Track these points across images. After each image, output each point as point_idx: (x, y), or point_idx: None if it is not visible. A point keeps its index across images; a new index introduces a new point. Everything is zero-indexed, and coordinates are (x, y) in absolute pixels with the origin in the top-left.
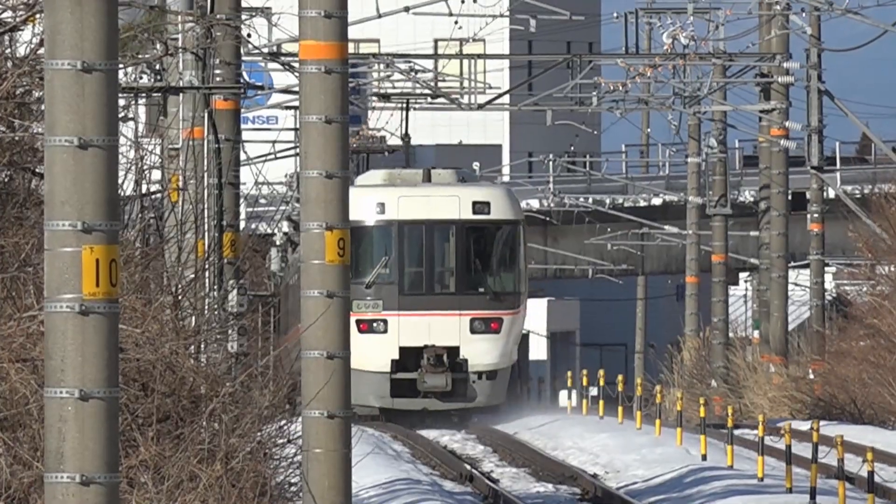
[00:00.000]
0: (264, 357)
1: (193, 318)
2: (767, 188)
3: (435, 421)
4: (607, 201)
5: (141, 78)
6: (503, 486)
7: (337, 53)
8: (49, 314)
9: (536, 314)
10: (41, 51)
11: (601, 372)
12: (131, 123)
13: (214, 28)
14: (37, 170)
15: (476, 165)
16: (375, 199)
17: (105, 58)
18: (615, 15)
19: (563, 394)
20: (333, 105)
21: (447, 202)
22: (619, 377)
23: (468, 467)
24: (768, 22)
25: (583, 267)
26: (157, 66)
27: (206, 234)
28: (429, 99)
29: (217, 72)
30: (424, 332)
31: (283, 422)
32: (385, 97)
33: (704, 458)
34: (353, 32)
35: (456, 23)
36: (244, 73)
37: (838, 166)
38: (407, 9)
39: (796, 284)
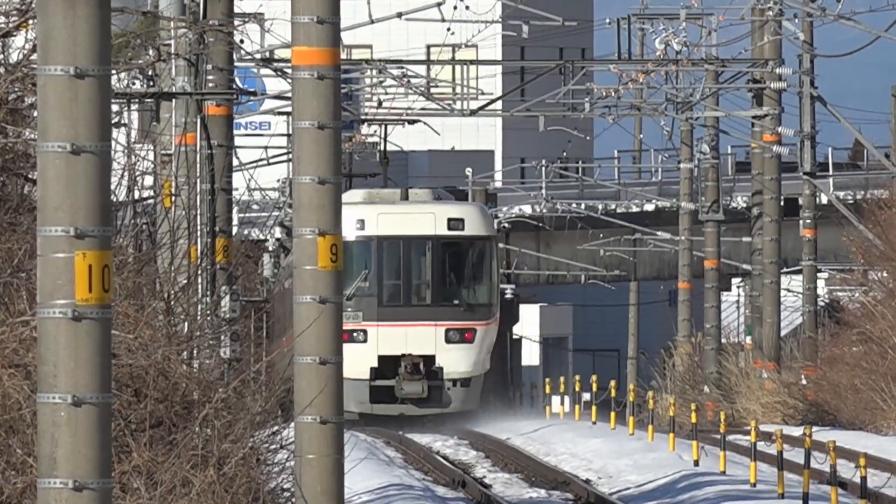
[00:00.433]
0: (257, 363)
1: (186, 323)
2: (760, 194)
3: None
4: (600, 207)
5: (133, 84)
6: (496, 492)
7: (329, 59)
8: (42, 320)
9: (529, 320)
10: (34, 56)
11: (594, 377)
12: (124, 129)
13: (207, 34)
14: (29, 175)
15: (469, 171)
16: (356, 216)
17: (98, 63)
18: (608, 21)
19: (555, 399)
20: (326, 111)
21: (423, 219)
22: (612, 383)
23: (461, 473)
24: (761, 28)
25: (575, 273)
26: (150, 72)
27: (199, 239)
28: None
29: (210, 77)
30: (402, 342)
31: (276, 427)
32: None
33: (697, 463)
34: (345, 38)
35: (448, 29)
36: (237, 79)
37: (831, 172)
38: (399, 14)
39: (789, 290)
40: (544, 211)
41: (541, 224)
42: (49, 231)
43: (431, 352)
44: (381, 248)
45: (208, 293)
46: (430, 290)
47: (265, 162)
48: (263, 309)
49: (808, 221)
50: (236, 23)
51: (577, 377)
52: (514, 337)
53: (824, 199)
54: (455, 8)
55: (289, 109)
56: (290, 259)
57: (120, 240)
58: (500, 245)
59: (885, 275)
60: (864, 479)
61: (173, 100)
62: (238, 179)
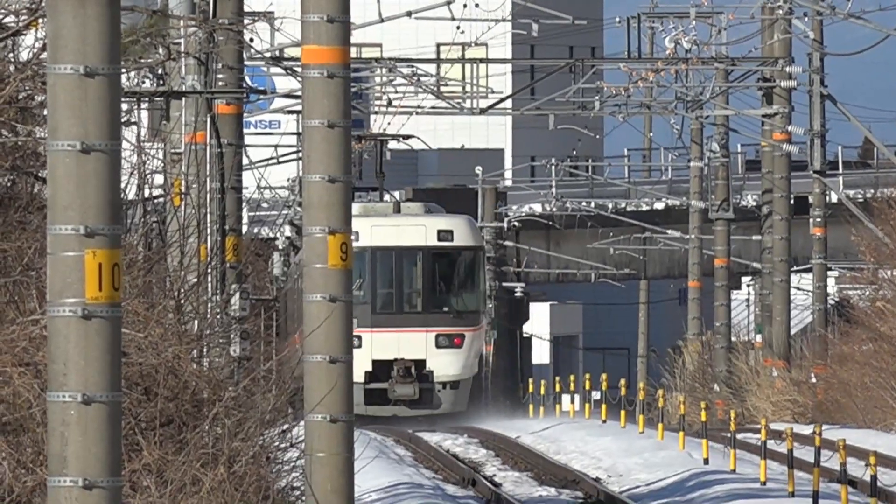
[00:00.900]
0: (267, 361)
1: (196, 322)
2: (770, 192)
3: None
4: (610, 205)
5: (143, 82)
6: (505, 491)
7: (339, 58)
8: (52, 318)
9: (539, 318)
10: (44, 55)
11: (604, 376)
12: (134, 128)
13: (217, 32)
14: (39, 174)
15: (478, 170)
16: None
17: (107, 62)
18: (617, 19)
19: (565, 398)
20: (336, 109)
21: (415, 230)
22: (622, 381)
23: (470, 471)
24: (771, 26)
25: (585, 271)
26: (160, 71)
27: (209, 238)
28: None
29: (219, 76)
30: (394, 347)
31: (286, 426)
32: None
33: (707, 461)
34: (355, 37)
35: (458, 27)
36: (247, 78)
37: (840, 170)
38: (409, 13)
39: (799, 289)
40: (554, 209)
41: (551, 223)
42: (59, 229)
43: (422, 356)
44: (375, 259)
45: (218, 292)
46: (421, 297)
47: (275, 160)
48: (273, 307)
49: (818, 220)
50: (246, 21)
51: (587, 375)
52: (525, 335)
53: (834, 198)
54: (465, 6)
55: (299, 108)
56: (300, 257)
57: (130, 238)
58: (510, 242)
59: (894, 273)
60: (874, 477)
61: (183, 98)
62: (248, 178)
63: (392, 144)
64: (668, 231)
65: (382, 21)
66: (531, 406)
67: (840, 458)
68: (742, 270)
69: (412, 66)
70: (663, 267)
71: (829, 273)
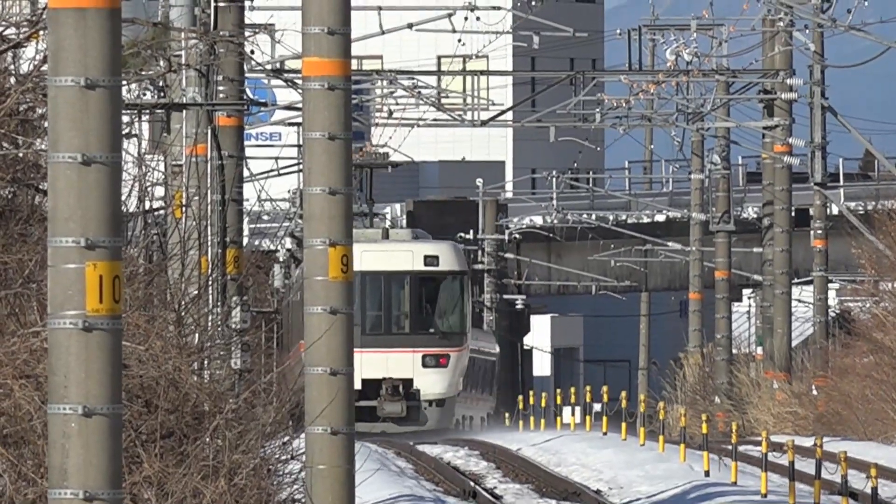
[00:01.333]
0: (267, 373)
1: (197, 334)
2: (771, 204)
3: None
4: (610, 218)
5: (144, 94)
6: (506, 503)
7: (340, 70)
8: (52, 330)
9: (540, 330)
10: (44, 67)
11: (605, 388)
12: (134, 140)
13: (218, 45)
14: (40, 186)
15: (479, 182)
16: None
17: (108, 74)
18: (618, 31)
19: (566, 410)
20: (337, 121)
21: (403, 256)
22: (623, 393)
23: (472, 483)
24: (771, 38)
25: (586, 283)
26: (161, 83)
27: (210, 250)
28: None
29: (220, 88)
30: (383, 366)
31: (287, 438)
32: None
33: (707, 474)
34: (356, 49)
35: (459, 40)
36: (247, 90)
37: (841, 183)
38: (410, 25)
39: (799, 301)
40: (555, 221)
41: (551, 235)
42: (60, 242)
43: (410, 375)
44: (365, 282)
45: (219, 304)
46: (409, 319)
47: (276, 172)
48: (274, 320)
49: (819, 232)
50: (247, 33)
51: (588, 388)
52: (525, 347)
53: (835, 210)
54: (466, 19)
55: (299, 120)
56: (299, 272)
57: (131, 250)
58: (511, 254)
59: (895, 285)
60: (874, 489)
61: (184, 110)
62: (249, 190)
63: (393, 156)
64: (669, 243)
65: (383, 33)
66: (532, 418)
67: (841, 470)
68: (743, 282)
69: (413, 79)
70: (664, 279)
71: (829, 285)
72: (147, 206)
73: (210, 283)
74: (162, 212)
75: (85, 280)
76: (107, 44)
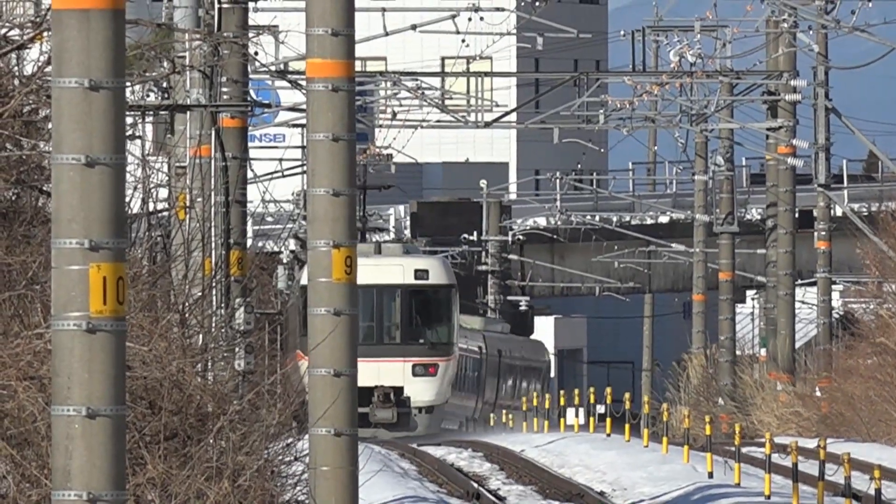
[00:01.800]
0: (271, 375)
1: (200, 335)
2: (774, 206)
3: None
4: (614, 219)
5: (148, 96)
6: None
7: (344, 71)
8: (56, 332)
9: (544, 331)
10: (48, 69)
11: (608, 389)
12: (138, 141)
13: (221, 46)
14: (44, 188)
15: (483, 183)
16: None
17: (112, 76)
18: (622, 33)
19: (569, 411)
20: (340, 123)
21: (394, 270)
22: (626, 395)
23: (475, 485)
24: (775, 40)
25: (590, 285)
26: (165, 84)
27: (213, 251)
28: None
29: (224, 90)
30: (375, 375)
31: (291, 439)
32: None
33: (711, 475)
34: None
35: (463, 41)
36: (251, 91)
37: (845, 184)
38: (414, 27)
39: (803, 302)
40: (559, 223)
41: (555, 236)
42: (63, 243)
43: (400, 383)
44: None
45: (223, 305)
46: (399, 330)
47: (280, 174)
48: (278, 321)
49: (823, 233)
50: (251, 35)
51: (592, 389)
52: None
53: (839, 211)
54: (469, 20)
55: (303, 121)
56: (299, 277)
57: (134, 252)
58: (515, 256)
59: None
60: (878, 491)
61: (188, 112)
62: (252, 191)
63: (397, 158)
64: (673, 244)
65: (387, 34)
66: (535, 419)
67: (844, 471)
68: (747, 284)
69: (417, 80)
70: (668, 280)
71: (833, 287)
72: (151, 208)
73: (214, 284)
74: (165, 213)
75: (88, 281)
76: (110, 45)
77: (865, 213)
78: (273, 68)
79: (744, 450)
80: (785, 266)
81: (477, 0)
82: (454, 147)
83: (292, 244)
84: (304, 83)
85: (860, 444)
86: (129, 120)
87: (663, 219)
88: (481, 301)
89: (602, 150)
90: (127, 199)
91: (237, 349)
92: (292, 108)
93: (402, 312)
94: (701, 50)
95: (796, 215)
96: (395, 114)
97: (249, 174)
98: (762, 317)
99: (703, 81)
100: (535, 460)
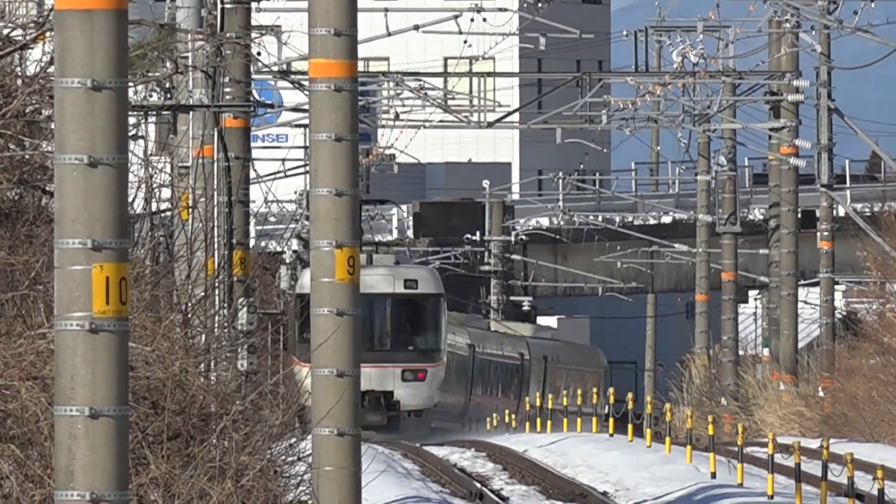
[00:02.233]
0: (274, 375)
1: (203, 336)
2: (777, 206)
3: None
4: (617, 219)
5: (151, 96)
6: None
7: (347, 71)
8: (59, 332)
9: None
10: (51, 69)
11: (611, 389)
12: (141, 142)
13: (224, 46)
14: (47, 188)
15: (486, 184)
16: None
17: (115, 76)
18: (625, 33)
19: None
20: (343, 123)
21: (385, 279)
22: (629, 395)
23: (478, 485)
24: (778, 40)
25: (592, 285)
26: (167, 85)
27: (216, 252)
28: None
29: (227, 90)
30: (366, 380)
31: (293, 440)
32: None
33: (714, 475)
34: (362, 51)
35: (466, 41)
36: (254, 91)
37: (848, 184)
38: (417, 27)
39: (806, 302)
40: (561, 223)
41: (558, 236)
42: (66, 243)
43: (391, 388)
44: None
45: (225, 305)
46: (390, 337)
47: (282, 174)
48: (280, 321)
49: (826, 233)
50: (253, 35)
51: (595, 389)
52: None
53: (841, 211)
54: (472, 20)
55: (306, 121)
56: (300, 283)
57: (137, 252)
58: (518, 256)
59: None
60: (881, 491)
61: (190, 112)
62: (255, 192)
63: (400, 158)
64: (676, 245)
65: (390, 35)
66: (538, 419)
67: (848, 472)
68: (749, 284)
69: (419, 80)
70: (670, 281)
71: (836, 287)
72: (153, 208)
73: (217, 284)
74: (168, 213)
75: (91, 282)
76: (113, 45)
77: (868, 214)
78: (276, 68)
79: (747, 450)
80: (788, 266)
81: (480, 0)
82: (457, 147)
83: (295, 244)
84: (306, 83)
85: (863, 445)
86: (131, 120)
87: (666, 219)
88: (484, 301)
89: (605, 151)
90: (130, 200)
91: (240, 349)
92: (295, 109)
93: (392, 320)
94: (703, 50)
95: (799, 215)
96: (397, 114)
97: (252, 174)
98: (765, 317)
99: (705, 82)
100: (538, 460)
